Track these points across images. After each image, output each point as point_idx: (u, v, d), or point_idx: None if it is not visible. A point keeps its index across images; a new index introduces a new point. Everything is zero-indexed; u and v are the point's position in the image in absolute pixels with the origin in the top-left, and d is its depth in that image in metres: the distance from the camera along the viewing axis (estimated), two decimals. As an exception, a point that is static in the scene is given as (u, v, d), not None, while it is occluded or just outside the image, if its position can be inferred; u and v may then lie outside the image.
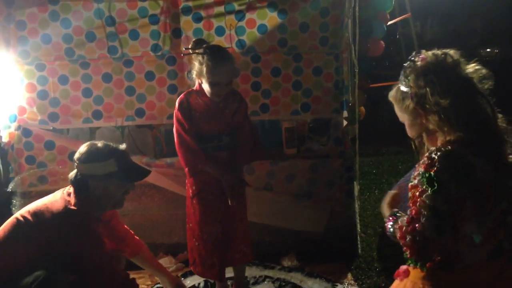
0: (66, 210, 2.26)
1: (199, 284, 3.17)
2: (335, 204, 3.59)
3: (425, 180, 1.51)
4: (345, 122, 3.56)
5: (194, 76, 2.74)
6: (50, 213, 2.25)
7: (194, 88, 2.81)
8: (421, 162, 1.59)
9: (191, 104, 2.76)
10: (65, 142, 3.56)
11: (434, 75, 1.59)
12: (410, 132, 1.74)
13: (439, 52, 1.65)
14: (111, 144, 2.39)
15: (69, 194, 2.33)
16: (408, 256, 1.62)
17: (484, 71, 1.63)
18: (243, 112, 2.86)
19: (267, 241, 3.04)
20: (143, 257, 2.82)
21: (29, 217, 2.26)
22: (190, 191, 2.81)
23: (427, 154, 1.57)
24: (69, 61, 3.46)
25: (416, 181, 1.57)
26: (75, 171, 2.37)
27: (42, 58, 3.45)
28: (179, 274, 3.33)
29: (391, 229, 1.68)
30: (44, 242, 2.21)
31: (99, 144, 2.37)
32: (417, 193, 1.54)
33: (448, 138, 1.60)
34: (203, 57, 2.63)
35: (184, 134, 2.72)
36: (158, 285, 3.09)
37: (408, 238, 1.54)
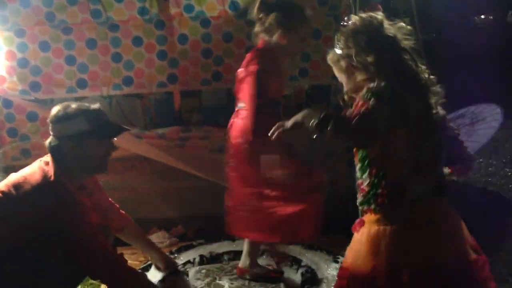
0: (45, 182, 2.16)
1: (194, 259, 3.06)
2: (335, 174, 3.46)
3: (368, 94, 1.64)
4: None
5: (275, 36, 2.50)
6: (29, 185, 2.15)
7: (259, 47, 2.58)
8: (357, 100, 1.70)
9: (267, 64, 2.53)
10: (48, 113, 3.35)
11: (360, 35, 1.75)
12: (346, 88, 1.86)
13: (365, 15, 1.81)
14: (85, 103, 2.34)
15: (47, 164, 2.23)
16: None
17: (407, 28, 1.79)
18: None
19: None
20: (129, 232, 2.72)
21: (6, 191, 2.16)
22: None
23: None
24: (50, 26, 3.28)
25: (359, 99, 1.68)
26: (50, 136, 2.29)
27: (22, 23, 3.26)
28: (173, 249, 3.23)
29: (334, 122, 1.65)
30: (25, 217, 2.11)
31: (72, 104, 2.30)
32: (361, 103, 1.64)
33: None
34: (291, 12, 2.48)
35: (256, 97, 2.48)
36: (150, 263, 2.96)
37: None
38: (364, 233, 1.80)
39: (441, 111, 1.80)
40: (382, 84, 1.69)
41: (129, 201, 3.28)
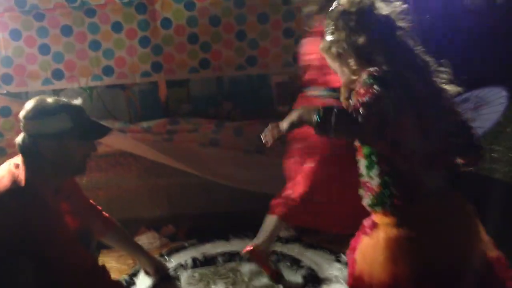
0: (14, 188, 1.96)
1: (186, 262, 2.89)
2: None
3: (369, 79, 1.53)
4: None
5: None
6: None
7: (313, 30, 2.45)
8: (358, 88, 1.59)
9: None
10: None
11: (350, 15, 1.67)
12: (342, 79, 1.76)
13: None
14: (63, 98, 2.16)
15: (17, 166, 2.03)
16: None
17: (402, 7, 1.70)
18: None
19: (260, 210, 2.81)
20: (114, 236, 2.54)
21: None
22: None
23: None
24: (21, 12, 3.15)
25: (359, 87, 1.57)
26: (22, 133, 2.08)
27: (-11, 10, 3.12)
28: (164, 251, 3.05)
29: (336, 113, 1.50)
30: None
31: (49, 98, 2.10)
32: (362, 91, 1.53)
33: None
34: None
35: None
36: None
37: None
38: (381, 237, 1.65)
39: (449, 93, 1.69)
40: (383, 66, 1.58)
41: (115, 200, 3.23)
